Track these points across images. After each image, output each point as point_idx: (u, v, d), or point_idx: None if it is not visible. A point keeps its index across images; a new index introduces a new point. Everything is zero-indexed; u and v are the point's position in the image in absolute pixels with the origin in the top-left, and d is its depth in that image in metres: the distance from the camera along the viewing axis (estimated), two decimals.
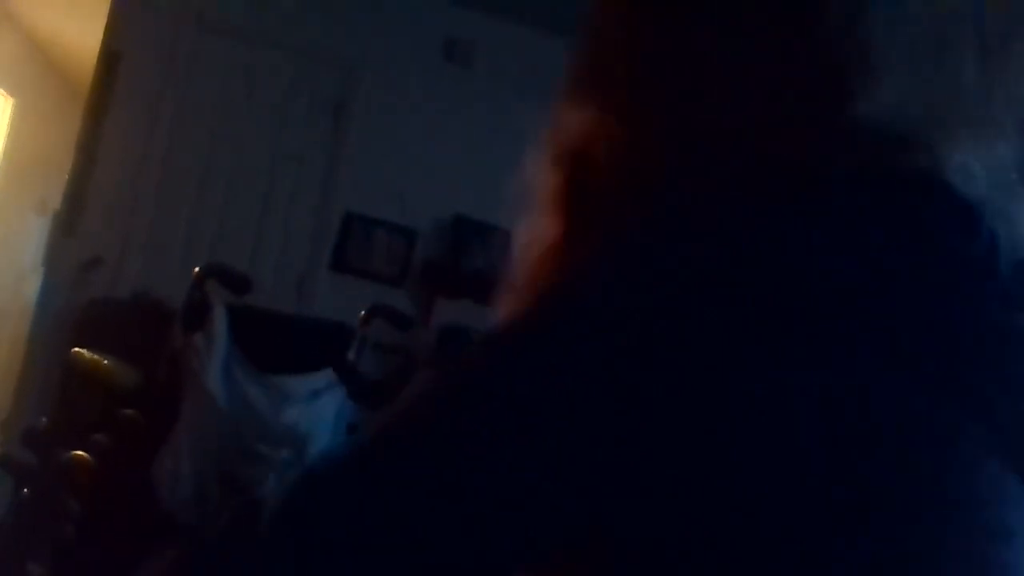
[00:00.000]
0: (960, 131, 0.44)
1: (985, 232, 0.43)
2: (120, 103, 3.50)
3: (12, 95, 5.28)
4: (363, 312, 2.41)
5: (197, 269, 2.17)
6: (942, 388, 0.41)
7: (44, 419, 2.70)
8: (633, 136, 0.47)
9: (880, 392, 0.40)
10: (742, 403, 0.39)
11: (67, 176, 3.59)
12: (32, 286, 4.43)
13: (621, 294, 0.41)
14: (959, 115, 0.44)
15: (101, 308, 3.27)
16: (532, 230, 0.50)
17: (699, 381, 0.39)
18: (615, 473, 0.39)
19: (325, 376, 2.09)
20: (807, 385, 0.39)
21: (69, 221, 3.52)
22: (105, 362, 2.31)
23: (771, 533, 0.39)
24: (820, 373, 0.40)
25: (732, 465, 0.39)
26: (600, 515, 0.40)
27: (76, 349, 2.45)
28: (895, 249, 0.42)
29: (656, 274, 0.41)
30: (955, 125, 0.44)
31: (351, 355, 2.22)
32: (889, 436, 0.40)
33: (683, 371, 0.39)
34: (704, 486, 0.39)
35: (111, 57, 3.51)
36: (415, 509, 0.40)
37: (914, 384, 0.41)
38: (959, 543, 0.40)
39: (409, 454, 0.41)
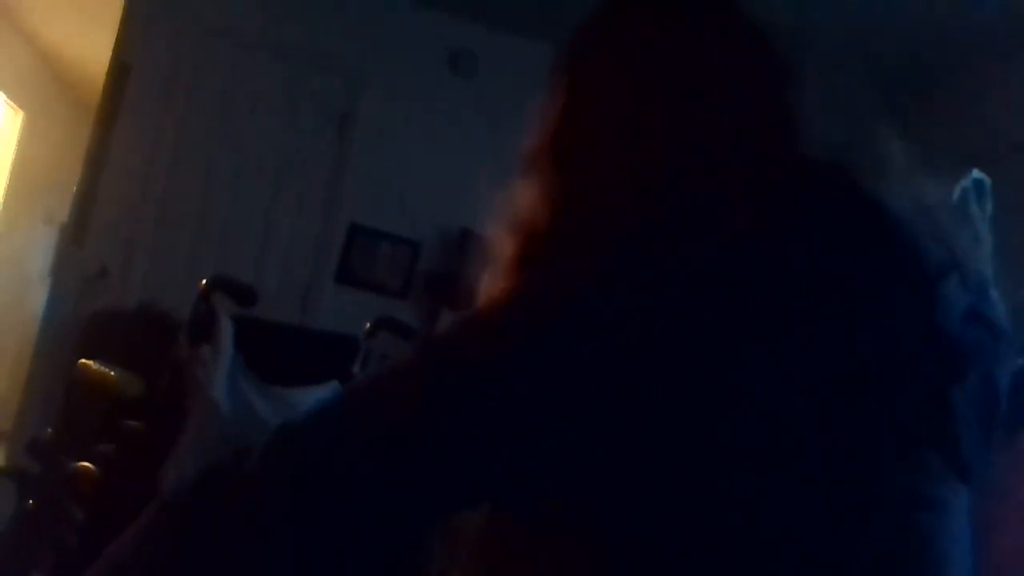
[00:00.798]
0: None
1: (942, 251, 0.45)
2: (128, 115, 3.53)
3: (21, 108, 5.32)
4: (368, 324, 2.41)
5: (203, 281, 2.17)
6: (933, 390, 0.42)
7: (49, 429, 2.71)
8: (632, 135, 0.48)
9: (878, 392, 0.41)
10: (741, 403, 0.39)
11: (75, 188, 3.61)
12: (39, 296, 4.44)
13: (622, 293, 0.41)
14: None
15: (107, 319, 3.28)
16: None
17: (699, 381, 0.39)
18: (614, 473, 0.39)
19: (330, 388, 2.09)
20: (806, 384, 0.39)
21: (76, 232, 3.54)
22: (110, 373, 2.32)
23: (771, 533, 0.39)
24: (820, 372, 0.40)
25: (732, 465, 0.39)
26: (601, 515, 0.40)
27: (82, 360, 2.46)
28: (894, 252, 0.43)
29: (657, 274, 0.41)
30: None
31: (356, 367, 2.22)
32: (887, 435, 0.40)
33: (683, 371, 0.39)
34: (704, 486, 0.39)
35: (121, 69, 3.53)
36: (413, 508, 0.40)
37: (913, 384, 0.41)
38: (953, 543, 0.41)
39: (407, 454, 0.41)
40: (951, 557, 0.41)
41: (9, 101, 5.19)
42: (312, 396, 2.06)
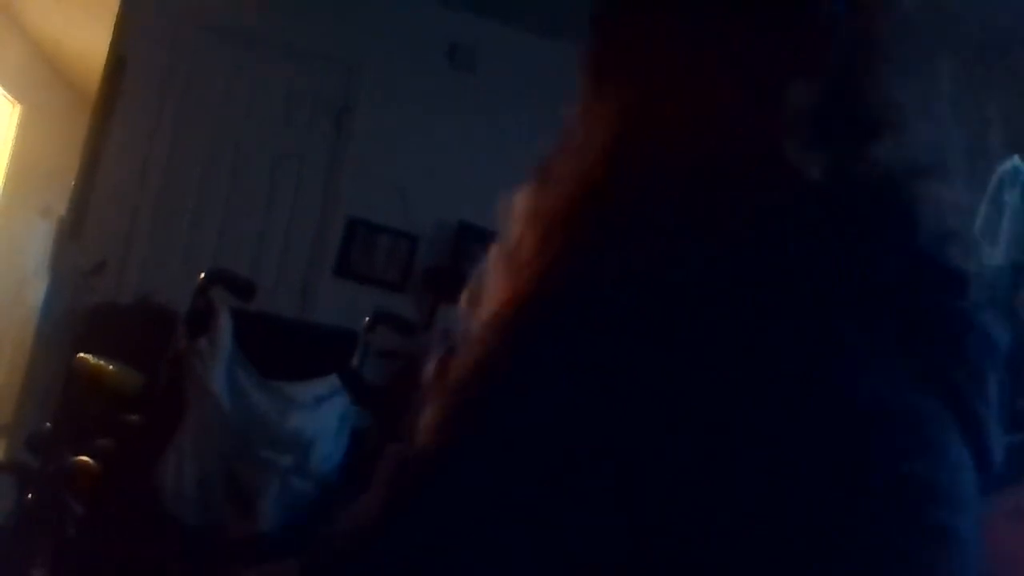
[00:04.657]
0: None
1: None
2: (125, 108, 3.52)
3: (19, 101, 5.30)
4: (367, 318, 2.41)
5: (201, 274, 2.17)
6: (924, 376, 0.42)
7: (48, 423, 2.71)
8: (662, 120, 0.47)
9: (873, 381, 0.41)
10: (738, 390, 0.39)
11: (72, 181, 3.60)
12: (37, 290, 4.44)
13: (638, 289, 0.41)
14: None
15: (105, 313, 3.27)
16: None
17: (702, 376, 0.39)
18: (631, 470, 0.39)
19: (329, 382, 2.09)
20: (802, 376, 0.40)
21: (74, 226, 3.54)
22: (109, 367, 2.32)
23: (773, 530, 0.39)
24: (819, 364, 0.40)
25: (735, 455, 0.39)
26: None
27: (80, 354, 2.45)
28: (888, 251, 0.43)
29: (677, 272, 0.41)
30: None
31: (355, 361, 2.22)
32: (881, 424, 0.40)
33: (702, 365, 0.39)
34: (706, 481, 0.39)
35: (117, 62, 3.52)
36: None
37: (905, 373, 0.42)
38: (944, 527, 0.41)
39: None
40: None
41: (6, 94, 5.17)
42: (310, 390, 2.06)
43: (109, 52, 3.56)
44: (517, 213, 0.51)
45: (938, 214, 0.45)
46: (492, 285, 0.49)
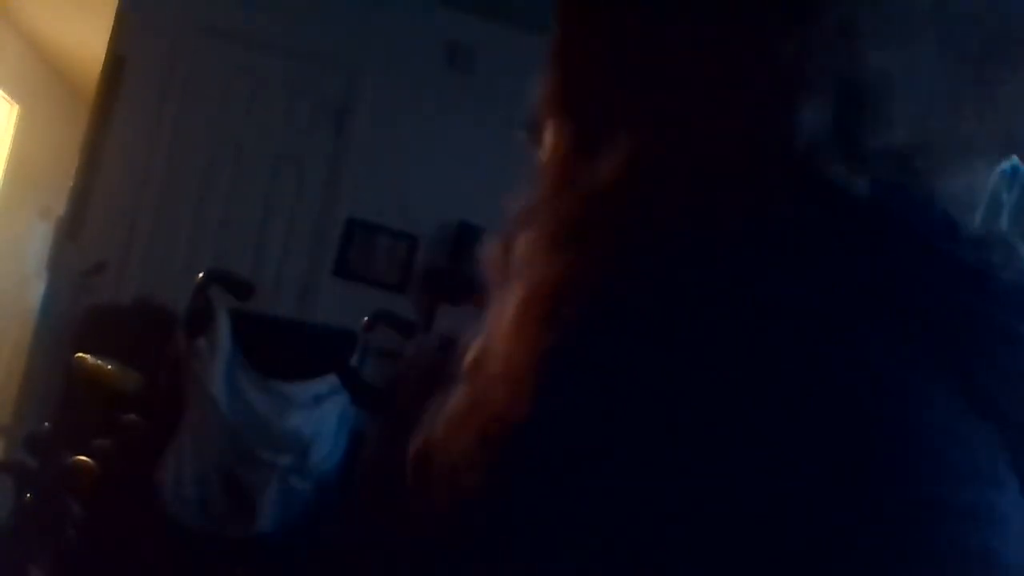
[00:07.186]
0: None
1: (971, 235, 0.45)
2: (124, 108, 3.52)
3: (17, 101, 5.30)
4: (366, 318, 2.41)
5: (200, 274, 2.17)
6: (945, 379, 0.42)
7: (47, 424, 2.71)
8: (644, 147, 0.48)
9: (891, 382, 0.41)
10: (748, 402, 0.39)
11: (71, 181, 3.60)
12: (35, 291, 4.44)
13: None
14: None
15: (104, 313, 3.27)
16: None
17: (702, 376, 0.39)
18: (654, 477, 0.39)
19: (328, 382, 2.09)
20: (803, 377, 0.40)
21: (73, 226, 3.53)
22: (108, 367, 2.31)
23: (774, 533, 0.39)
24: (822, 365, 0.40)
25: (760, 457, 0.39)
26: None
27: (79, 354, 2.45)
28: (908, 251, 0.43)
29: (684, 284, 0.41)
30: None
31: (354, 361, 2.22)
32: (899, 428, 0.40)
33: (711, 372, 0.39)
34: (706, 482, 0.39)
35: (116, 62, 3.52)
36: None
37: (923, 372, 0.42)
38: (959, 524, 0.41)
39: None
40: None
41: (4, 94, 5.17)
42: (309, 390, 2.06)
43: (108, 51, 3.56)
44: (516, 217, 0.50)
45: (964, 214, 0.45)
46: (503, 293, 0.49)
